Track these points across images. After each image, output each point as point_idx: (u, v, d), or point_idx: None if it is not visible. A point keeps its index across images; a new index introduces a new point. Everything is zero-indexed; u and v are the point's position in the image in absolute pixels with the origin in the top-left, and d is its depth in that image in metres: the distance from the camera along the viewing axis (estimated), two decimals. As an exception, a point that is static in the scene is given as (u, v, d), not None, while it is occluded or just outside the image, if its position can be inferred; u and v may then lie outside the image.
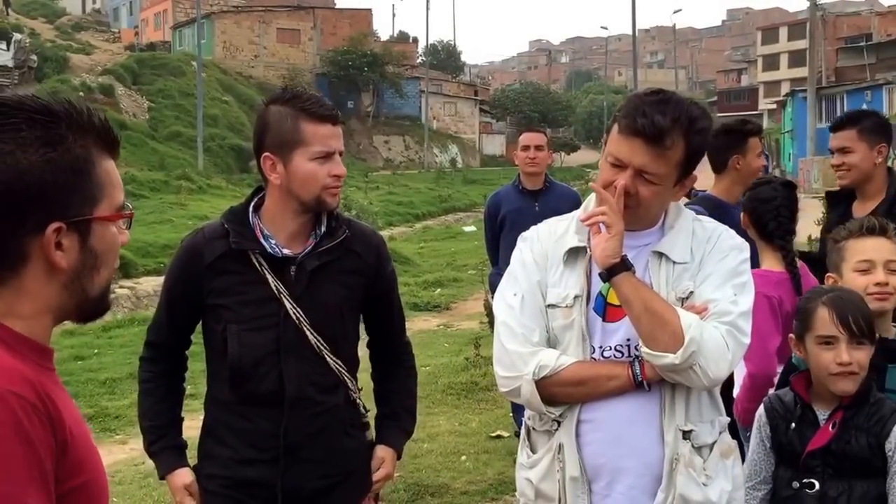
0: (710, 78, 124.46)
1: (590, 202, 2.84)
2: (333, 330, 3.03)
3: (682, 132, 2.62)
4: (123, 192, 1.66)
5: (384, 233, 26.00)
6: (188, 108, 46.30)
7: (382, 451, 3.23)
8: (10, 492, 1.36)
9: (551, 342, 2.78)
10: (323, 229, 3.04)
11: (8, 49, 40.05)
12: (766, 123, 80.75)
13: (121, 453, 7.64)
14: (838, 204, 4.89)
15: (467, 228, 28.50)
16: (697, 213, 3.07)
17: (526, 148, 6.78)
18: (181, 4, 69.74)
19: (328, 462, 3.03)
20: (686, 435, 2.68)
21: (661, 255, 2.74)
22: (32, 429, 1.40)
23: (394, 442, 3.28)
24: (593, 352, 2.74)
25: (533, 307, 2.79)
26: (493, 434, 7.42)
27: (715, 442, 2.74)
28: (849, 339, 2.95)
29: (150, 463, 6.71)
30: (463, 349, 10.25)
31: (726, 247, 2.76)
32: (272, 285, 2.95)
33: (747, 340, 2.68)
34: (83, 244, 1.56)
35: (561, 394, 2.71)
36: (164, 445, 3.13)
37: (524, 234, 2.96)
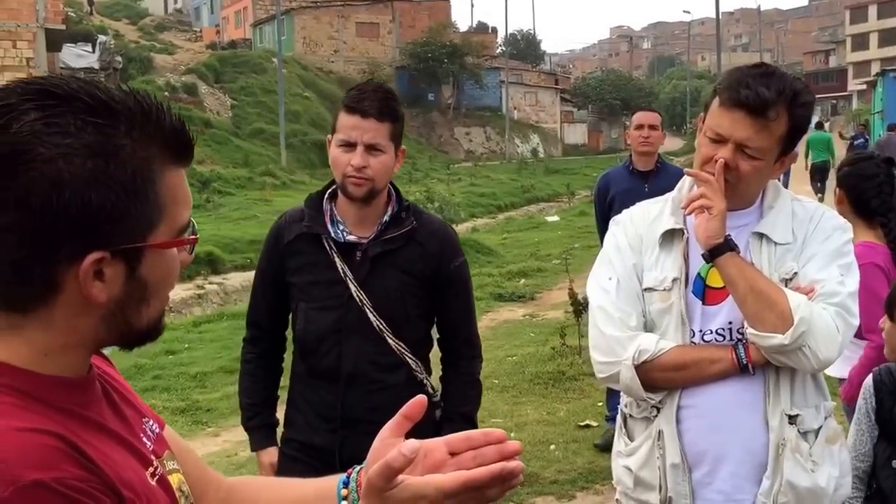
0: (797, 60, 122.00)
1: (684, 184, 2.83)
2: (395, 313, 3.18)
3: (786, 105, 2.57)
4: (190, 207, 1.35)
5: (467, 224, 26.06)
6: (270, 105, 46.79)
7: None
8: None
9: (648, 327, 2.75)
10: (386, 218, 3.21)
11: (94, 51, 40.81)
12: (855, 105, 79.02)
13: (213, 445, 7.78)
14: None
15: (550, 218, 28.36)
16: None
17: (640, 127, 6.68)
18: (261, 1, 70.45)
19: None
20: (792, 420, 2.64)
21: (761, 236, 2.70)
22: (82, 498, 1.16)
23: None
24: (693, 336, 2.70)
25: (629, 291, 2.77)
26: (582, 423, 7.41)
27: (821, 427, 2.70)
28: None
29: (242, 455, 6.87)
30: (549, 339, 10.21)
31: (829, 227, 2.72)
32: (339, 268, 3.15)
33: (856, 322, 2.63)
34: (130, 274, 1.27)
35: (661, 379, 2.68)
36: (258, 423, 3.42)
37: (616, 218, 2.95)
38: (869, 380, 3.12)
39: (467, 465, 1.39)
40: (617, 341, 2.71)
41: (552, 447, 6.87)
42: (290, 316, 3.35)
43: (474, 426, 3.32)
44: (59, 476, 1.14)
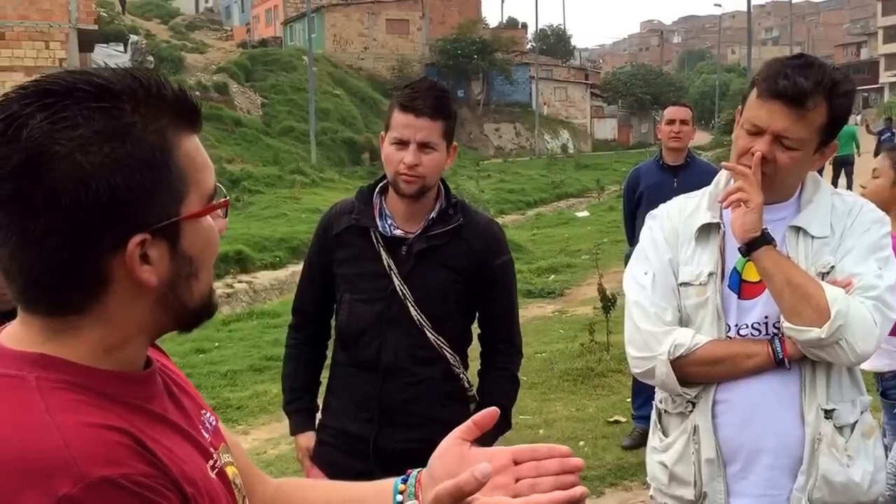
0: (828, 53, 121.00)
1: (720, 178, 2.80)
2: (436, 308, 3.23)
3: (825, 95, 2.54)
4: (213, 170, 1.35)
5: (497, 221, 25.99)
6: (300, 103, 46.93)
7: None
8: None
9: (683, 321, 2.74)
10: (433, 215, 3.25)
11: (125, 51, 41.10)
12: (887, 97, 78.31)
13: (244, 443, 7.78)
14: None
15: (580, 214, 28.29)
16: None
17: (671, 122, 6.65)
18: (291, 0, 70.71)
19: (420, 428, 3.16)
20: (828, 414, 2.62)
21: (798, 229, 2.67)
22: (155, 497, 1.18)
23: (482, 440, 3.35)
24: (728, 330, 2.69)
25: (665, 286, 2.75)
26: (611, 419, 7.39)
27: (856, 422, 2.67)
28: None
29: (271, 453, 6.90)
30: (578, 335, 10.19)
31: (867, 220, 2.68)
32: (385, 262, 3.20)
33: (894, 315, 2.60)
34: (174, 251, 1.27)
35: (697, 373, 2.67)
36: (297, 407, 3.50)
37: (653, 213, 2.93)
38: None
39: (529, 473, 1.44)
40: (652, 336, 2.70)
41: (581, 443, 6.85)
42: (335, 306, 3.42)
43: (508, 420, 3.37)
44: (127, 472, 1.15)
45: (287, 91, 49.74)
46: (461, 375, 3.33)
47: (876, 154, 29.67)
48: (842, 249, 2.64)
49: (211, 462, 1.38)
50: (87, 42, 28.43)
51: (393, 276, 3.19)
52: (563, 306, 13.61)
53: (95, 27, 28.72)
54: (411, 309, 3.19)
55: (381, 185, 3.32)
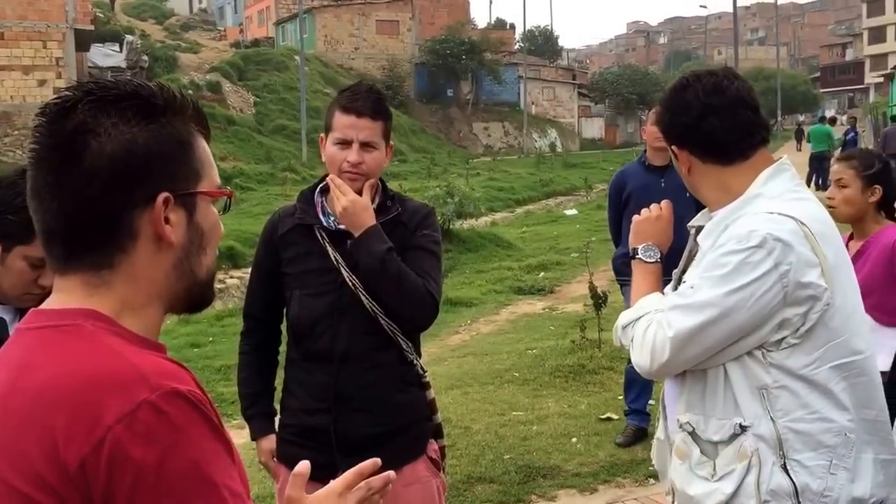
0: (813, 53, 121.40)
1: None
2: None
3: None
4: (218, 174, 1.58)
5: (486, 218, 26.00)
6: (292, 102, 46.91)
7: None
8: (236, 489, 1.35)
9: None
10: (374, 207, 3.31)
11: (121, 51, 41.05)
12: (872, 98, 78.46)
13: (238, 437, 7.69)
14: None
15: (569, 212, 28.25)
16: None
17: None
18: (283, 1, 70.64)
19: (378, 412, 3.25)
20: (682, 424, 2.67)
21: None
22: (217, 424, 1.36)
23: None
24: None
25: None
26: (603, 416, 7.33)
27: (721, 441, 2.62)
28: None
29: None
30: (569, 332, 10.15)
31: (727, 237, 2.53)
32: (331, 256, 3.27)
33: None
34: (190, 220, 1.48)
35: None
36: (256, 412, 3.54)
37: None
38: None
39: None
40: None
41: (574, 440, 6.80)
42: (285, 307, 3.44)
43: (380, 243, 3.24)
44: (191, 389, 1.34)
45: (279, 90, 49.74)
46: (414, 361, 3.36)
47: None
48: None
49: None
50: (83, 42, 28.35)
51: (342, 268, 3.25)
52: (553, 303, 13.58)
53: (92, 27, 28.64)
54: (363, 298, 3.23)
55: (321, 185, 3.40)
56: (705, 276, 2.45)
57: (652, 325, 2.52)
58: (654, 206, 2.91)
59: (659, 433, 2.80)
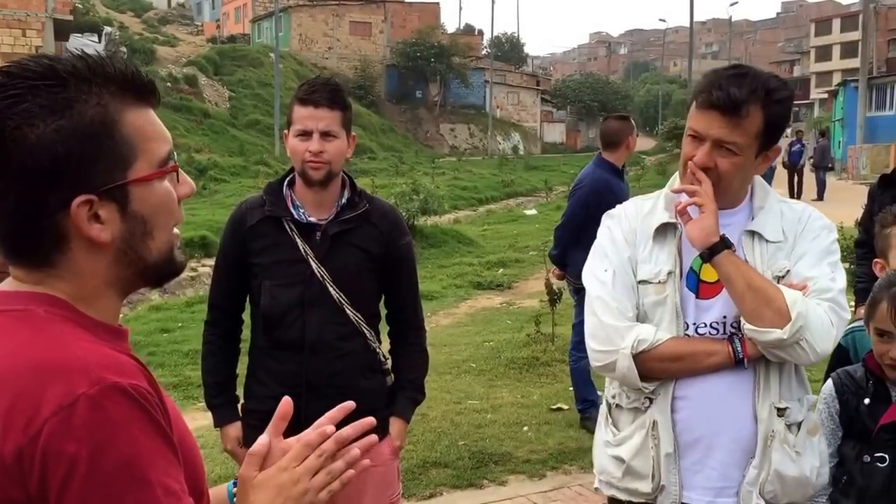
0: (764, 69, 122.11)
1: (674, 180, 2.78)
2: (353, 287, 3.29)
3: (759, 103, 2.53)
4: (169, 142, 1.42)
5: (449, 216, 25.96)
6: (266, 98, 46.64)
7: (392, 423, 3.44)
8: (171, 487, 1.27)
9: (640, 319, 2.70)
10: (343, 201, 3.34)
11: (99, 41, 40.63)
12: (816, 112, 79.29)
13: (204, 420, 7.68)
14: (889, 188, 4.80)
15: (529, 212, 28.32)
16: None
17: None
18: (260, -1, 70.17)
19: (346, 398, 3.21)
20: (781, 412, 2.62)
21: (754, 234, 2.66)
22: (159, 420, 1.28)
23: (401, 411, 3.49)
24: (686, 328, 2.66)
25: (625, 283, 2.71)
26: (554, 406, 7.39)
27: (803, 420, 2.68)
28: None
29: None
30: (524, 326, 10.20)
31: (817, 227, 2.69)
32: (300, 248, 3.26)
33: (848, 315, 2.62)
34: (123, 211, 1.34)
35: (657, 369, 2.63)
36: (221, 400, 3.50)
37: (610, 212, 2.89)
38: (829, 385, 3.07)
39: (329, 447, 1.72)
40: (615, 331, 2.65)
41: (525, 428, 6.85)
42: (249, 297, 3.43)
43: (422, 393, 3.59)
44: (135, 384, 1.26)
45: (254, 86, 49.45)
46: (377, 350, 3.40)
47: (786, 166, 31.08)
48: (795, 254, 2.64)
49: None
50: (62, 31, 28.00)
51: (310, 260, 3.25)
52: (510, 298, 13.64)
53: (71, 17, 28.31)
54: (330, 289, 3.24)
55: (287, 178, 3.39)
56: (831, 263, 2.66)
57: (823, 310, 2.55)
58: (693, 199, 2.61)
59: (667, 447, 2.68)
